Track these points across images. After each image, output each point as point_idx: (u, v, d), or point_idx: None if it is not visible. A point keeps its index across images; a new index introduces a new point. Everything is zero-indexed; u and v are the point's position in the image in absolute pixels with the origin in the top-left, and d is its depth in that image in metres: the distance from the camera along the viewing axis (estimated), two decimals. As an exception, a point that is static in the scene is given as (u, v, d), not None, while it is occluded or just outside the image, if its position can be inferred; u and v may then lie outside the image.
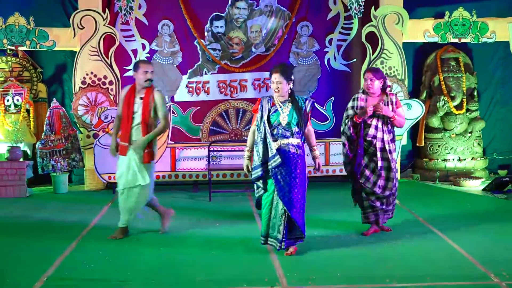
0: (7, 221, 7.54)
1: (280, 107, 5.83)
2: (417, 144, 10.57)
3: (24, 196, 8.98)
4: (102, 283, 5.05)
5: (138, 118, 6.35)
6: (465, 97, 10.37)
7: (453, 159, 10.33)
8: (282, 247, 5.77)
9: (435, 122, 10.35)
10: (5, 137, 9.51)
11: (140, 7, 9.77)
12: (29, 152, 9.76)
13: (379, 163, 6.37)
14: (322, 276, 5.16)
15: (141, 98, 6.37)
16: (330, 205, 8.17)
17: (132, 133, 6.37)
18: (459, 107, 10.34)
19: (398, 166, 9.93)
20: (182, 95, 9.95)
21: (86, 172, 9.66)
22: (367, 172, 6.43)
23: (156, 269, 5.43)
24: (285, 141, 5.81)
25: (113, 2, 9.57)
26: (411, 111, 9.53)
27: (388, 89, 6.47)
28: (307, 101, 5.92)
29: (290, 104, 5.86)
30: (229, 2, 9.90)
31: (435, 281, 5.02)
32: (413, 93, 10.52)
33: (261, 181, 5.86)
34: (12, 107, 9.58)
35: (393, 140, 6.46)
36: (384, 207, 6.49)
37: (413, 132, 10.54)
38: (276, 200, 5.80)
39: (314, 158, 6.04)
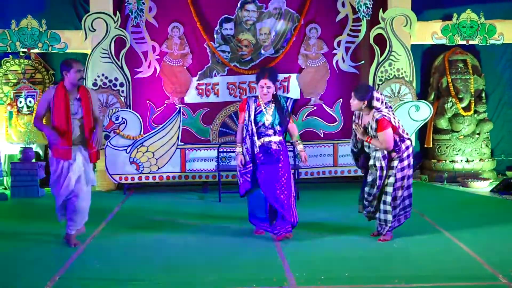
0: (19, 221, 7.64)
1: (264, 108, 6.39)
2: (425, 146, 10.60)
3: (36, 197, 9.06)
4: (113, 283, 5.11)
5: (79, 120, 6.16)
6: (473, 98, 10.40)
7: (461, 161, 10.36)
8: (270, 231, 6.48)
9: (443, 123, 10.38)
10: (18, 138, 9.63)
11: (150, 9, 9.84)
12: (41, 153, 9.87)
13: (368, 178, 6.35)
14: (331, 276, 5.20)
15: (79, 99, 6.16)
16: (339, 206, 8.21)
17: (74, 135, 6.14)
18: (467, 108, 10.37)
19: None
20: (192, 96, 10.00)
21: (97, 173, 9.70)
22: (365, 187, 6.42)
23: (166, 269, 5.48)
24: (267, 139, 6.39)
25: (123, 5, 9.63)
26: (419, 112, 9.59)
27: (374, 111, 6.17)
28: (288, 100, 6.50)
29: (273, 104, 6.42)
30: (239, 5, 9.95)
31: (443, 282, 5.06)
32: (421, 95, 10.55)
33: (249, 175, 6.43)
34: (25, 109, 9.68)
35: (385, 157, 6.14)
36: (369, 209, 6.44)
37: (421, 133, 10.57)
38: (260, 192, 6.42)
39: (299, 151, 6.52)
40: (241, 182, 6.51)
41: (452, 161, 10.37)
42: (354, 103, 6.21)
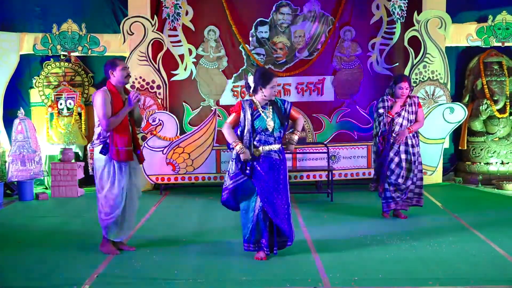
0: (60, 220, 7.81)
1: (263, 111, 5.78)
2: (460, 148, 10.56)
3: (76, 196, 9.27)
4: (150, 281, 5.21)
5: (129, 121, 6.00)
6: (508, 100, 10.32)
7: (496, 163, 10.31)
8: (272, 252, 5.87)
9: (477, 125, 10.34)
10: (58, 139, 9.82)
11: (187, 13, 10.00)
12: (80, 153, 10.07)
13: (403, 156, 7.31)
14: (364, 277, 5.25)
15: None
16: (372, 207, 8.23)
17: (133, 136, 6.00)
18: (502, 110, 10.31)
19: (440, 168, 10.01)
20: (227, 98, 10.14)
21: (134, 174, 9.92)
22: (393, 165, 7.33)
23: (201, 269, 5.57)
24: (267, 147, 5.78)
25: (161, 9, 9.81)
26: (454, 114, 9.56)
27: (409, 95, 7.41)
28: (286, 103, 5.89)
29: (270, 107, 5.82)
30: (273, 8, 10.06)
31: (479, 284, 5.05)
32: (456, 97, 10.52)
33: (240, 182, 5.80)
34: (65, 111, 9.88)
35: (415, 136, 7.41)
36: (403, 197, 7.41)
37: (456, 135, 10.53)
38: (259, 207, 5.77)
39: (291, 139, 5.92)
40: (229, 188, 5.83)
41: (487, 163, 10.32)
42: (408, 91, 7.31)
